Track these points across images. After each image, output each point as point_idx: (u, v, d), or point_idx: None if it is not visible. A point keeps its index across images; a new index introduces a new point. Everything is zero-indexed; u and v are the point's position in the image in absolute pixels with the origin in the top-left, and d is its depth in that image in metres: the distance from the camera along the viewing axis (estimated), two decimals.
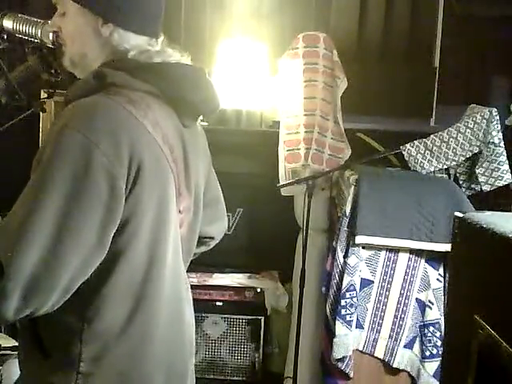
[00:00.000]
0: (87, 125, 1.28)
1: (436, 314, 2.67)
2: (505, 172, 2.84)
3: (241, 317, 3.39)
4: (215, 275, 3.48)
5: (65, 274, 1.23)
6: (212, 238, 1.77)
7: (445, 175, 2.95)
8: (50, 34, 1.50)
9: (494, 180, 2.86)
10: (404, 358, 2.73)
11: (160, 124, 1.38)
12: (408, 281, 2.71)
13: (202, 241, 1.70)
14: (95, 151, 1.25)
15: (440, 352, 2.63)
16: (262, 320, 3.38)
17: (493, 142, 2.81)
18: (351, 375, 2.72)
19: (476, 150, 2.84)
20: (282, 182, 3.20)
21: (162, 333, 1.42)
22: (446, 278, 2.66)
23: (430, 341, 2.67)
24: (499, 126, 2.83)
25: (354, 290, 2.68)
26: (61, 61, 1.49)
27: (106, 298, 1.33)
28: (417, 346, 2.71)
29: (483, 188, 2.88)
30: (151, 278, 1.38)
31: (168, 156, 1.39)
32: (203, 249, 1.77)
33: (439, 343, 2.64)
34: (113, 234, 1.30)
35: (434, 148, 2.85)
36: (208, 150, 1.67)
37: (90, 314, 1.33)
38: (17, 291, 1.20)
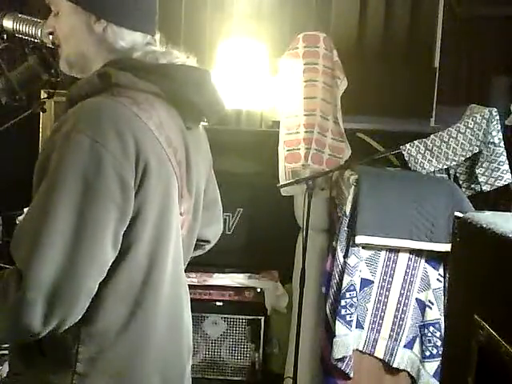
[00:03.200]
0: (94, 128, 1.27)
1: (436, 314, 2.67)
2: (505, 172, 2.84)
3: (241, 317, 3.39)
4: (215, 275, 3.48)
5: (86, 277, 1.24)
6: (208, 242, 1.77)
7: (445, 175, 2.95)
8: (50, 36, 1.50)
9: (494, 180, 2.86)
10: (404, 358, 2.73)
11: (164, 126, 1.38)
12: (408, 281, 2.71)
13: (197, 244, 1.70)
14: (105, 154, 1.25)
15: (440, 352, 2.63)
16: (262, 320, 3.38)
17: (493, 142, 2.81)
18: (351, 375, 2.72)
19: (476, 150, 2.84)
20: (281, 182, 3.20)
21: (160, 335, 1.42)
22: (446, 278, 2.66)
23: (429, 341, 2.67)
24: (499, 126, 2.83)
25: (354, 289, 2.68)
26: (58, 64, 1.49)
27: (105, 299, 1.33)
28: (417, 346, 2.72)
29: (483, 188, 2.88)
30: (151, 280, 1.38)
31: (171, 158, 1.39)
32: (198, 252, 1.76)
33: (439, 343, 2.64)
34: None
35: (434, 148, 2.85)
36: (209, 152, 1.67)
37: (89, 315, 1.32)
38: (39, 300, 1.20)
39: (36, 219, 1.24)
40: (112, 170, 1.26)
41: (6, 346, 2.49)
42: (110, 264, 1.31)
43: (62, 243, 1.21)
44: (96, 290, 1.28)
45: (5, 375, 2.32)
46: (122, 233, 1.30)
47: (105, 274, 1.29)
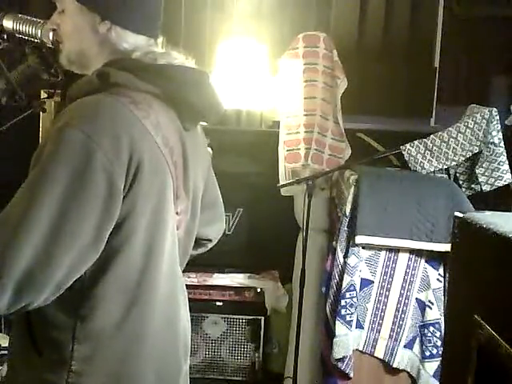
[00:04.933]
0: (89, 124, 1.28)
1: (436, 314, 2.67)
2: (505, 172, 2.85)
3: (241, 317, 3.39)
4: (215, 275, 3.48)
5: (58, 270, 1.24)
6: (210, 240, 1.78)
7: (445, 175, 2.95)
8: (50, 33, 1.50)
9: (494, 180, 2.86)
10: (404, 358, 2.73)
11: (161, 126, 1.38)
12: (408, 281, 2.71)
13: (199, 243, 1.71)
14: (96, 150, 1.26)
15: (440, 352, 2.63)
16: (262, 320, 3.38)
17: (493, 142, 2.81)
18: (351, 375, 2.72)
19: (476, 150, 2.84)
20: (281, 182, 3.20)
21: (155, 333, 1.42)
22: (446, 278, 2.66)
23: (429, 341, 2.67)
24: (499, 126, 2.83)
25: (354, 289, 2.68)
26: (58, 58, 1.49)
27: (100, 297, 1.33)
28: (417, 346, 2.71)
29: (483, 188, 2.88)
30: (146, 278, 1.38)
31: (167, 158, 1.39)
32: (201, 250, 1.77)
33: (439, 343, 2.64)
34: (109, 234, 1.30)
35: (434, 148, 2.85)
36: (207, 153, 1.68)
37: (84, 313, 1.33)
38: (10, 286, 1.20)
39: (19, 206, 1.24)
40: (101, 168, 1.26)
41: (7, 346, 2.49)
42: (103, 262, 1.31)
43: (41, 233, 1.21)
44: (69, 283, 1.27)
45: (5, 375, 2.32)
46: (108, 231, 1.29)
47: (82, 271, 1.28)
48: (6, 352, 2.46)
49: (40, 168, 1.26)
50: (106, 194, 1.27)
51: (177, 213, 1.46)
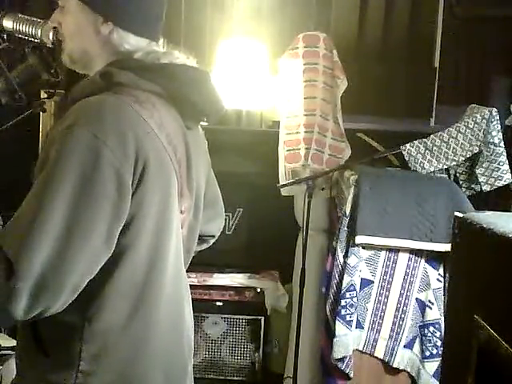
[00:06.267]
0: (95, 123, 1.28)
1: (436, 314, 2.67)
2: (505, 172, 2.85)
3: (241, 317, 3.39)
4: (215, 275, 3.48)
5: (73, 272, 1.24)
6: (213, 236, 1.80)
7: (445, 175, 2.95)
8: (50, 33, 1.50)
9: (494, 180, 2.86)
10: (404, 358, 2.73)
11: (164, 124, 1.39)
12: (408, 281, 2.71)
13: (203, 239, 1.73)
14: (104, 149, 1.26)
15: (440, 352, 2.63)
16: (262, 320, 3.38)
17: (493, 142, 2.81)
18: (351, 375, 2.72)
19: (476, 150, 2.84)
20: (281, 182, 3.20)
21: (161, 333, 1.42)
22: (446, 278, 2.67)
23: (430, 341, 2.67)
24: (499, 126, 2.83)
25: (354, 289, 2.68)
26: (60, 58, 1.49)
27: (107, 297, 1.33)
28: (417, 346, 2.72)
29: (483, 188, 2.89)
30: (153, 278, 1.38)
31: (172, 156, 1.40)
32: (204, 246, 1.79)
33: (439, 343, 2.64)
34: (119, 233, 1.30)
35: (434, 148, 2.85)
36: (207, 152, 1.68)
37: (91, 313, 1.33)
38: (26, 290, 1.20)
39: (30, 209, 1.24)
40: (110, 167, 1.26)
41: (8, 346, 2.49)
42: (110, 262, 1.31)
43: (54, 235, 1.21)
44: (83, 286, 1.27)
45: (5, 375, 2.33)
46: (118, 231, 1.30)
47: (95, 272, 1.28)
48: (6, 352, 2.46)
49: (48, 170, 1.26)
50: (115, 191, 1.27)
51: (181, 211, 1.46)
